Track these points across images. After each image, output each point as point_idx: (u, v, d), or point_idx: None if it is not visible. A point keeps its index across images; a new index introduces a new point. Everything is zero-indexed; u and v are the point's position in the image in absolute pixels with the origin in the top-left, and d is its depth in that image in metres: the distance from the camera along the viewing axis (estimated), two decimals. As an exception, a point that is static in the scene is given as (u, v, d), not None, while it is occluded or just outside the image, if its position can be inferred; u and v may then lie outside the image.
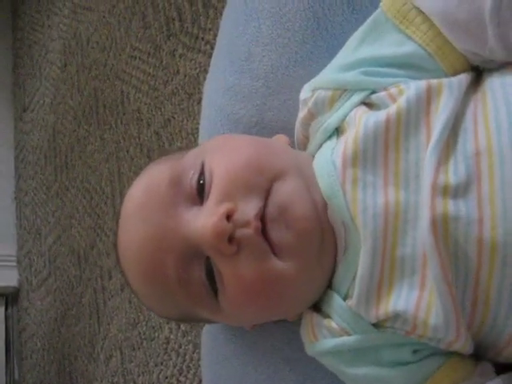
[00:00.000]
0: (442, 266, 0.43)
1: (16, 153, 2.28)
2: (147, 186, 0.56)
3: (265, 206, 0.49)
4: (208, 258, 0.50)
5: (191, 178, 0.52)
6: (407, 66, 0.51)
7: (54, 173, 1.93)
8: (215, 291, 0.51)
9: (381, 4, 0.53)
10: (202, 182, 0.51)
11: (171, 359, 1.24)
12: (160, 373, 1.27)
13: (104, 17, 1.70)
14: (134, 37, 1.53)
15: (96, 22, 1.75)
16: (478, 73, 0.51)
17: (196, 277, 0.51)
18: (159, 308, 0.59)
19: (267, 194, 0.49)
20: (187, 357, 1.19)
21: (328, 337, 0.51)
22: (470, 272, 0.44)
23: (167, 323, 1.25)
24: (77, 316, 1.68)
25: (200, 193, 0.51)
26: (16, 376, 2.06)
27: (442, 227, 0.44)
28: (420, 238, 0.45)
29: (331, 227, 0.50)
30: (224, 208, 0.48)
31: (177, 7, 1.35)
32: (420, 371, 0.48)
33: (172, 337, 1.24)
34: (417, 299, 0.45)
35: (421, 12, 0.51)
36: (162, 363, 1.27)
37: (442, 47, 0.50)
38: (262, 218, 0.48)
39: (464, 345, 0.46)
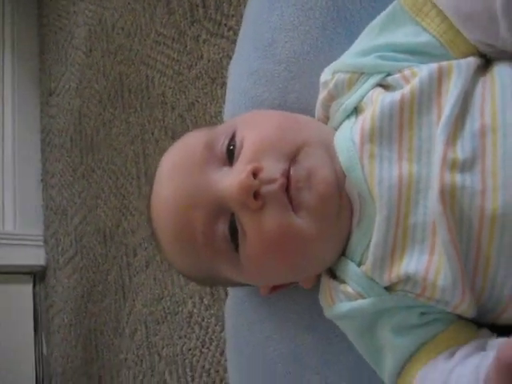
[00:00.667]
0: (450, 231, 0.48)
1: (42, 136, 2.34)
2: (182, 149, 0.61)
3: (290, 169, 0.53)
4: (233, 215, 0.55)
5: (222, 144, 0.57)
6: (421, 53, 0.55)
7: (80, 155, 1.99)
8: (236, 246, 0.55)
9: (398, -5, 0.57)
10: (232, 147, 0.56)
11: (194, 332, 1.30)
12: (183, 345, 1.33)
13: (129, 3, 1.74)
14: (158, 23, 1.57)
15: (121, 8, 1.80)
16: (488, 60, 0.55)
17: (220, 232, 0.56)
18: (184, 264, 0.63)
19: (293, 159, 0.54)
20: (210, 329, 1.25)
21: (344, 300, 0.56)
22: (473, 238, 0.48)
23: (190, 298, 1.31)
24: (103, 292, 1.74)
25: (230, 157, 0.56)
26: (44, 351, 2.14)
27: (450, 197, 0.48)
28: (430, 207, 0.49)
29: (348, 197, 0.55)
30: (251, 166, 0.53)
31: (200, -7, 1.39)
32: (425, 333, 0.52)
33: (195, 311, 1.29)
34: (427, 263, 0.50)
35: (435, 5, 0.54)
36: (185, 336, 1.33)
37: (454, 39, 0.54)
38: (287, 178, 0.53)
39: (468, 307, 0.50)
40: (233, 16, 1.25)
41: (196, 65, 1.38)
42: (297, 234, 0.53)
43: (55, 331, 2.05)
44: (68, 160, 2.09)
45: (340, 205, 0.54)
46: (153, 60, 1.58)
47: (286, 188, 0.53)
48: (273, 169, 0.53)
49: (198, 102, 1.36)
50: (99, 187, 1.84)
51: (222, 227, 0.56)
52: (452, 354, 0.50)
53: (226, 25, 1.28)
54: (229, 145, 0.57)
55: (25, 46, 2.46)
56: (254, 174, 0.52)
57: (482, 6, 0.50)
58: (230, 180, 0.54)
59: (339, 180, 0.54)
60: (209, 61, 1.33)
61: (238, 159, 0.55)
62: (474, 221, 0.47)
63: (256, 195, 0.52)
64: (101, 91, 1.88)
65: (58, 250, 2.11)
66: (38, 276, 2.22)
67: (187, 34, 1.42)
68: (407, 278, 0.51)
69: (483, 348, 0.50)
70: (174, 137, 1.44)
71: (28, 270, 2.22)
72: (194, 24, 1.40)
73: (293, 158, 0.54)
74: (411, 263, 0.51)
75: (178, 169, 0.59)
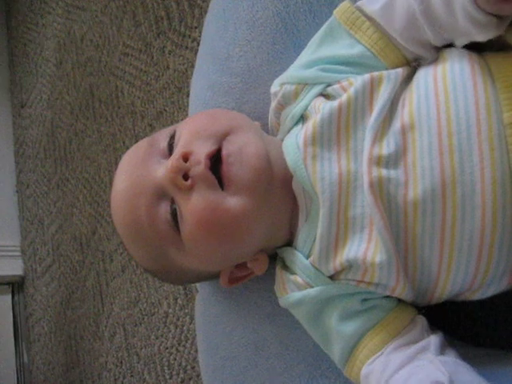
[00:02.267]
0: (383, 218, 0.54)
1: (16, 148, 2.37)
2: (130, 151, 0.68)
3: (221, 148, 0.59)
4: (173, 201, 0.61)
5: (164, 141, 0.64)
6: (357, 64, 0.61)
7: (54, 165, 2.03)
8: (177, 227, 0.61)
9: (334, 12, 0.64)
10: (171, 143, 0.63)
11: (170, 331, 1.35)
12: (161, 345, 1.39)
13: (97, 16, 1.79)
14: (125, 35, 1.62)
15: (89, 20, 1.84)
16: (415, 68, 0.62)
17: (162, 216, 0.61)
18: (140, 255, 0.68)
19: (223, 140, 0.60)
20: (185, 328, 1.30)
21: (295, 290, 0.61)
22: (401, 222, 0.54)
23: (166, 298, 1.36)
24: (81, 298, 1.78)
25: (170, 151, 0.63)
26: (25, 359, 2.16)
27: (378, 189, 0.54)
28: (366, 200, 0.56)
29: (283, 178, 0.61)
30: (181, 151, 0.59)
31: (165, 6, 1.45)
32: (368, 320, 0.58)
33: (170, 311, 1.35)
34: (365, 249, 0.56)
35: (367, 18, 0.61)
36: (162, 335, 1.38)
37: (384, 48, 0.60)
38: (217, 158, 0.59)
39: (403, 289, 0.56)
40: (196, 28, 1.31)
41: (163, 75, 1.43)
42: (225, 210, 0.58)
43: (35, 339, 2.08)
44: (42, 170, 2.12)
45: (271, 180, 0.60)
46: (121, 71, 1.63)
47: (217, 168, 0.58)
48: (201, 151, 0.59)
49: (165, 110, 1.41)
50: (74, 196, 1.88)
51: (164, 211, 0.61)
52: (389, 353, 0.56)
53: (189, 36, 1.34)
54: (169, 141, 0.63)
55: (-5, 58, 2.49)
56: (185, 158, 0.59)
57: (402, 1, 0.57)
58: (165, 166, 0.61)
59: (271, 160, 0.60)
60: (175, 71, 1.38)
61: (174, 149, 0.62)
62: (400, 207, 0.54)
63: (186, 177, 0.58)
64: (72, 102, 1.92)
65: (35, 259, 2.13)
66: (16, 286, 2.25)
67: (153, 46, 1.48)
68: (349, 265, 0.57)
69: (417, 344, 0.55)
70: (145, 145, 1.49)
71: (6, 280, 2.24)
72: (160, 36, 1.45)
73: (222, 138, 0.60)
74: (352, 250, 0.57)
75: (126, 165, 0.66)
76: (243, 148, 0.59)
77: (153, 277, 0.86)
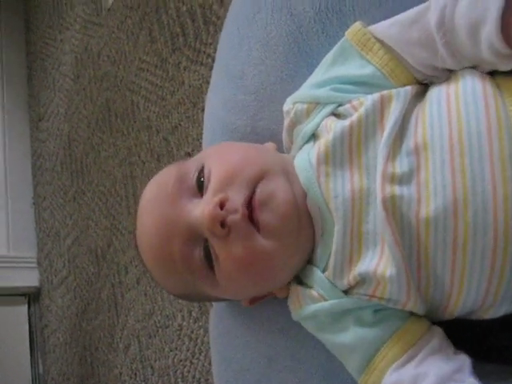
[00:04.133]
0: (394, 234, 0.55)
1: (33, 160, 2.40)
2: (157, 184, 0.69)
3: (253, 195, 0.60)
4: (206, 240, 0.61)
5: (193, 177, 0.64)
6: (367, 84, 0.63)
7: (71, 178, 2.06)
8: (212, 268, 0.62)
9: (346, 33, 0.65)
10: (202, 179, 0.63)
11: (184, 344, 1.36)
12: (175, 357, 1.40)
13: (113, 32, 1.82)
14: (141, 50, 1.65)
15: (106, 36, 1.88)
16: (426, 86, 0.63)
17: (197, 256, 0.62)
18: (170, 285, 0.70)
19: (255, 186, 0.60)
20: (199, 341, 1.31)
21: (310, 304, 0.63)
22: (413, 238, 0.55)
23: (180, 311, 1.38)
24: (96, 310, 1.80)
25: (200, 188, 0.63)
26: (40, 370, 2.18)
27: (391, 204, 0.55)
28: (378, 215, 0.57)
29: (308, 213, 0.62)
30: (218, 198, 0.59)
31: (180, 23, 1.47)
32: (382, 332, 0.58)
33: (184, 323, 1.36)
34: (376, 263, 0.57)
35: (378, 40, 0.62)
36: (176, 348, 1.39)
37: (394, 69, 0.61)
38: (250, 205, 0.60)
39: (415, 304, 0.57)
40: (211, 44, 1.33)
41: (178, 90, 1.45)
42: (262, 254, 0.60)
43: (51, 350, 2.10)
44: (59, 183, 2.15)
45: (299, 223, 0.61)
46: (137, 86, 1.66)
47: (251, 214, 0.60)
48: (237, 198, 0.60)
49: (180, 125, 1.43)
50: (90, 209, 1.90)
51: (198, 252, 0.62)
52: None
53: (204, 52, 1.36)
54: (198, 177, 0.64)
55: (13, 72, 2.53)
56: (221, 204, 0.59)
57: (420, 28, 0.58)
58: (199, 210, 0.61)
59: (298, 201, 0.61)
60: (190, 86, 1.41)
61: (207, 190, 0.62)
62: (413, 224, 0.55)
63: (223, 224, 0.59)
64: (89, 116, 1.95)
65: (51, 270, 2.16)
66: (32, 297, 2.27)
67: (169, 62, 1.50)
68: (362, 279, 0.58)
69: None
70: (160, 159, 1.52)
71: (23, 291, 2.26)
72: (175, 52, 1.48)
73: (255, 184, 0.61)
74: (364, 264, 0.58)
75: (153, 203, 0.66)
76: (273, 196, 0.60)
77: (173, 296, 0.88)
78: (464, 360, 0.56)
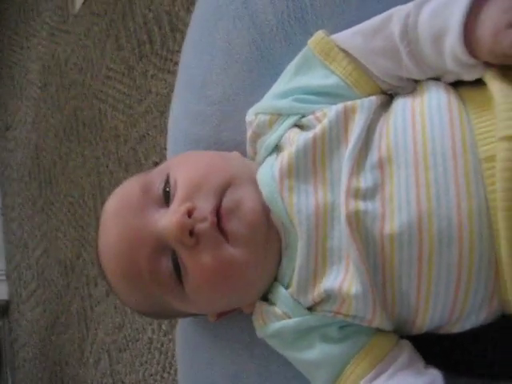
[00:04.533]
0: (358, 250, 0.53)
1: (0, 170, 2.36)
2: (120, 196, 0.66)
3: (220, 204, 0.58)
4: (174, 252, 0.59)
5: (158, 187, 0.62)
6: (331, 94, 0.61)
7: (39, 188, 2.02)
8: (181, 280, 0.60)
9: (308, 42, 0.64)
10: (168, 189, 0.61)
11: (155, 357, 1.33)
12: (145, 371, 1.37)
13: (80, 39, 1.79)
14: (108, 58, 1.63)
15: (72, 43, 1.85)
16: (392, 97, 0.62)
17: (164, 268, 0.60)
18: (136, 302, 0.68)
19: (222, 195, 0.59)
20: (169, 354, 1.28)
21: (274, 321, 0.61)
22: (378, 254, 0.54)
23: (150, 324, 1.35)
24: (66, 324, 1.76)
25: (166, 198, 0.61)
26: (10, 385, 2.14)
27: (355, 220, 0.54)
28: (343, 231, 0.55)
29: (274, 226, 0.60)
30: (185, 207, 0.57)
31: (147, 30, 1.45)
32: (347, 348, 0.57)
33: (155, 337, 1.33)
34: (341, 280, 0.55)
35: (341, 49, 0.61)
36: (146, 362, 1.37)
37: (359, 79, 0.60)
38: (218, 213, 0.58)
39: (381, 321, 0.56)
40: (177, 51, 1.31)
41: (145, 99, 1.43)
42: (231, 262, 0.58)
43: (20, 365, 2.05)
44: (27, 193, 2.11)
45: (268, 232, 0.60)
46: (104, 94, 1.63)
47: (218, 223, 0.58)
48: (204, 206, 0.58)
49: (148, 134, 1.41)
50: (58, 220, 1.86)
51: (166, 263, 0.60)
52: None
53: (171, 60, 1.34)
54: (164, 187, 0.62)
55: (-20, 80, 2.49)
56: (189, 213, 0.57)
57: (384, 38, 0.57)
58: (166, 219, 0.59)
59: (265, 209, 0.60)
60: (157, 95, 1.39)
61: (173, 200, 0.60)
62: (377, 240, 0.54)
63: (191, 233, 0.57)
64: (56, 125, 1.91)
65: (20, 283, 2.11)
66: (1, 311, 2.22)
67: (136, 70, 1.48)
68: (327, 296, 0.57)
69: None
70: (128, 169, 1.49)
71: (-9, 304, 2.22)
72: (142, 59, 1.45)
73: (222, 192, 0.59)
74: (328, 282, 0.56)
75: (118, 214, 0.63)
76: (240, 204, 0.58)
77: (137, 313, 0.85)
78: (436, 375, 0.55)
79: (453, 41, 0.51)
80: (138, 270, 0.61)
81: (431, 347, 0.63)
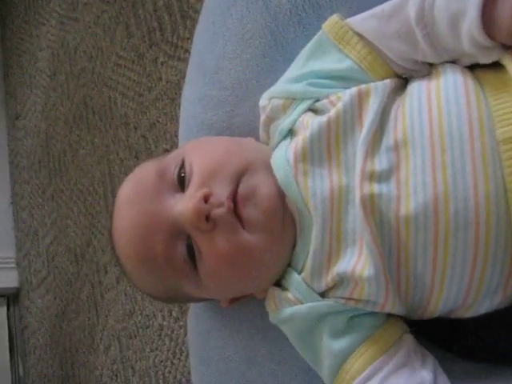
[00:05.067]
0: (372, 233, 0.53)
1: (10, 159, 2.36)
2: (136, 180, 0.66)
3: (237, 189, 0.58)
4: (189, 237, 0.59)
5: (173, 172, 0.62)
6: (345, 78, 0.61)
7: (49, 177, 2.02)
8: (195, 265, 0.60)
9: (323, 26, 0.63)
10: (182, 175, 0.61)
11: (165, 344, 1.34)
12: (155, 357, 1.38)
13: (90, 27, 1.79)
14: (118, 46, 1.62)
15: (82, 31, 1.84)
16: (406, 81, 0.61)
17: (179, 253, 0.60)
18: (150, 287, 0.68)
19: (238, 181, 0.59)
20: (179, 340, 1.29)
21: (286, 307, 0.61)
22: (393, 237, 0.54)
23: (160, 311, 1.35)
24: (76, 311, 1.77)
25: (181, 183, 0.61)
26: (21, 372, 2.15)
27: (369, 203, 0.54)
28: (357, 214, 0.55)
29: (289, 211, 0.60)
30: (202, 192, 0.57)
31: (157, 17, 1.45)
32: (353, 339, 0.57)
33: (165, 323, 1.34)
34: (354, 263, 0.55)
35: (356, 33, 0.61)
36: (157, 348, 1.37)
37: (373, 63, 0.60)
38: (234, 199, 0.58)
39: (393, 305, 0.56)
40: (188, 39, 1.31)
41: (155, 86, 1.43)
42: (246, 248, 0.58)
43: (31, 352, 2.07)
44: (37, 182, 2.12)
45: (284, 218, 0.60)
46: (114, 82, 1.63)
47: (235, 209, 0.58)
48: (220, 192, 0.58)
49: (158, 122, 1.41)
50: (68, 207, 1.87)
51: (181, 248, 0.60)
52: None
53: (182, 47, 1.34)
54: (179, 172, 0.62)
55: (-11, 69, 2.49)
56: (205, 199, 0.57)
57: (400, 21, 0.56)
58: (183, 205, 0.59)
59: (281, 195, 0.60)
60: (167, 82, 1.38)
61: (189, 185, 0.60)
62: (392, 223, 0.53)
63: (207, 218, 0.57)
64: (66, 113, 1.92)
65: (30, 271, 2.13)
66: (11, 298, 2.24)
67: (146, 57, 1.47)
68: (340, 280, 0.57)
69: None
70: (138, 156, 1.49)
71: (1, 292, 2.23)
72: (152, 47, 1.45)
73: (238, 178, 0.59)
74: (342, 265, 0.56)
75: (133, 199, 0.63)
76: (256, 191, 0.58)
77: (151, 298, 0.86)
78: (424, 377, 0.54)
79: (471, 22, 0.50)
80: (153, 254, 0.61)
81: (441, 331, 0.63)
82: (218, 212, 0.57)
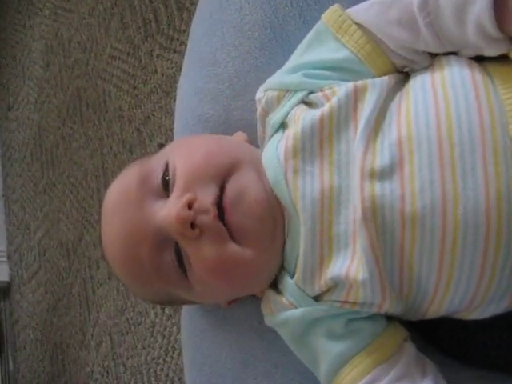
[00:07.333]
0: (370, 237, 0.51)
1: (3, 151, 2.33)
2: (120, 187, 0.63)
3: (223, 193, 0.55)
4: (177, 243, 0.57)
5: (157, 176, 0.59)
6: (342, 69, 0.58)
7: (41, 169, 2.00)
8: (185, 271, 0.58)
9: (322, 16, 0.61)
10: (167, 178, 0.58)
11: (157, 341, 1.32)
12: (148, 355, 1.36)
13: (84, 18, 1.76)
14: (113, 37, 1.59)
15: (76, 22, 1.81)
16: (407, 75, 0.59)
17: (167, 260, 0.58)
18: (142, 292, 0.66)
19: (224, 184, 0.56)
20: (172, 338, 1.27)
21: (281, 311, 0.59)
22: (396, 241, 0.51)
23: (153, 308, 1.33)
24: (67, 306, 1.75)
25: (165, 188, 0.58)
26: (11, 367, 2.13)
27: (370, 206, 0.51)
28: (351, 216, 0.53)
29: (281, 212, 0.57)
30: (185, 198, 0.55)
31: (153, 9, 1.42)
32: (350, 345, 0.55)
33: (157, 320, 1.32)
34: (348, 266, 0.53)
35: (355, 23, 0.58)
36: (149, 345, 1.35)
37: (371, 53, 0.57)
38: (220, 204, 0.55)
39: (391, 306, 0.54)
40: (184, 31, 1.29)
41: (150, 79, 1.40)
42: (236, 261, 0.56)
43: (21, 347, 2.05)
44: (29, 174, 2.09)
45: (275, 224, 0.57)
46: (109, 74, 1.60)
47: (222, 215, 0.55)
48: (205, 196, 0.55)
49: (153, 115, 1.38)
50: (61, 201, 1.84)
51: (169, 256, 0.58)
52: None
53: (178, 39, 1.31)
54: (163, 175, 0.59)
55: (-19, 60, 2.46)
56: (189, 204, 0.55)
57: (401, 8, 0.54)
58: (166, 210, 0.56)
59: (270, 198, 0.57)
60: (163, 75, 1.36)
61: (173, 190, 0.57)
62: (396, 224, 0.51)
63: (193, 225, 0.54)
64: (59, 105, 1.89)
65: (21, 265, 2.10)
66: (2, 292, 2.22)
67: (141, 49, 1.45)
68: (334, 284, 0.55)
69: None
70: (132, 150, 1.47)
71: (-8, 286, 2.21)
72: (148, 39, 1.42)
73: (224, 179, 0.56)
74: (335, 268, 0.54)
75: (117, 207, 0.61)
76: (244, 194, 0.56)
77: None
78: None
79: (480, 11, 0.48)
80: (142, 266, 0.59)
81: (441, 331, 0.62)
82: (205, 219, 0.55)
